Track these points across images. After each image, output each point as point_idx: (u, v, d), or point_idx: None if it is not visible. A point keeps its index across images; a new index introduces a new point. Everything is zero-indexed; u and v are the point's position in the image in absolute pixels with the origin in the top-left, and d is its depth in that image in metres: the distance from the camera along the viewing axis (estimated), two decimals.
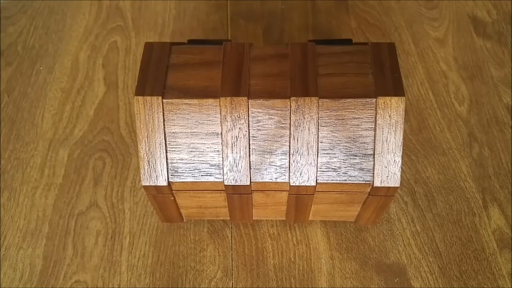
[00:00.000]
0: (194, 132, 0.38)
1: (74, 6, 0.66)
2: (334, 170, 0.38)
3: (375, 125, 0.37)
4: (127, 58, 0.61)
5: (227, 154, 0.38)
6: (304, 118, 0.37)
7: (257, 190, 0.40)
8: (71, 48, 0.62)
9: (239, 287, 0.45)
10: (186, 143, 0.38)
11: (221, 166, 0.39)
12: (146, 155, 0.38)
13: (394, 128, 0.37)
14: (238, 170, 0.38)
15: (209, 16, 0.65)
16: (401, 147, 0.38)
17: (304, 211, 0.44)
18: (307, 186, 0.39)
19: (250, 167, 0.38)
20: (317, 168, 0.38)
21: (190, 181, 0.39)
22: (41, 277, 0.45)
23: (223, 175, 0.39)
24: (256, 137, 0.38)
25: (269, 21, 0.65)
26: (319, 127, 0.38)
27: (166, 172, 0.39)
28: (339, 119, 0.37)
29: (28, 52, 0.61)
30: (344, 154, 0.38)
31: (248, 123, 0.38)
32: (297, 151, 0.38)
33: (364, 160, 0.38)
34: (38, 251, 0.47)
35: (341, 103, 0.37)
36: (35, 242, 0.47)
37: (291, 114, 0.37)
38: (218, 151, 0.38)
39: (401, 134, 0.37)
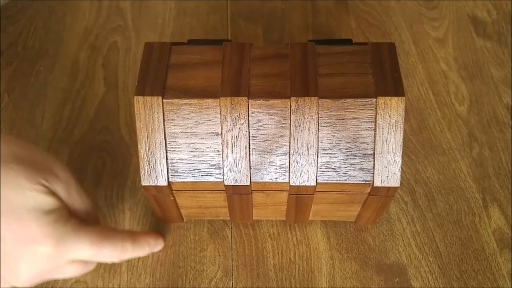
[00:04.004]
0: (194, 132, 0.38)
1: (74, 6, 0.66)
2: (334, 170, 0.38)
3: (375, 125, 0.37)
4: (127, 58, 0.61)
5: (227, 154, 0.38)
6: (304, 118, 0.37)
7: (257, 190, 0.40)
8: (71, 48, 0.62)
9: (239, 287, 0.45)
10: (186, 143, 0.38)
11: (221, 166, 0.39)
12: (146, 155, 0.38)
13: (394, 128, 0.37)
14: (238, 170, 0.38)
15: (209, 16, 0.65)
16: (401, 147, 0.38)
17: (304, 211, 0.44)
18: (307, 186, 0.39)
19: (250, 167, 0.38)
20: (317, 168, 0.38)
21: (190, 181, 0.39)
22: None
23: (223, 175, 0.39)
24: (256, 137, 0.38)
25: (269, 21, 0.65)
26: (319, 127, 0.38)
27: (166, 172, 0.39)
28: (339, 119, 0.37)
29: (28, 52, 0.61)
30: (344, 154, 0.38)
31: (248, 123, 0.38)
32: (297, 151, 0.38)
33: (364, 160, 0.38)
34: None
35: (341, 103, 0.37)
36: None
37: (291, 114, 0.37)
38: (218, 151, 0.38)
39: (401, 134, 0.37)
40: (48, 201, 0.34)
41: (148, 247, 0.42)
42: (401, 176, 0.38)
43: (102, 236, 0.37)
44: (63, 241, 0.35)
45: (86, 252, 0.36)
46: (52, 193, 0.35)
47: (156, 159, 0.38)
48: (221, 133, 0.38)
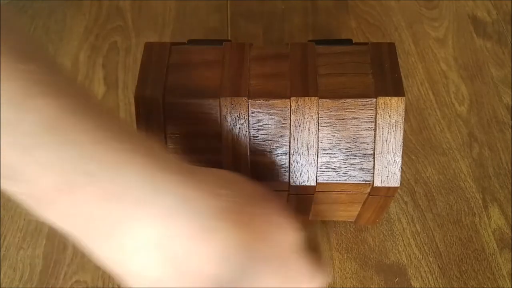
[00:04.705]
0: (194, 132, 0.38)
1: (74, 6, 0.66)
2: (334, 170, 0.38)
3: (375, 125, 0.37)
4: (127, 58, 0.61)
5: (227, 154, 0.38)
6: (304, 118, 0.37)
7: None
8: (71, 48, 0.62)
9: None
10: (186, 143, 0.38)
11: (221, 166, 0.39)
12: None
13: (394, 128, 0.37)
14: (238, 170, 0.38)
15: (209, 16, 0.65)
16: (401, 147, 0.38)
17: (304, 211, 0.44)
18: (307, 186, 0.39)
19: (250, 167, 0.38)
20: (317, 168, 0.38)
21: None
22: (41, 277, 0.45)
23: None
24: (256, 137, 0.38)
25: (269, 21, 0.65)
26: (319, 127, 0.38)
27: None
28: (339, 119, 0.37)
29: None
30: (344, 154, 0.38)
31: (248, 123, 0.38)
32: (297, 151, 0.38)
33: (364, 160, 0.38)
34: (38, 251, 0.47)
35: (341, 103, 0.37)
36: (35, 242, 0.47)
37: (291, 114, 0.37)
38: (218, 151, 0.38)
39: (401, 134, 0.37)
40: (301, 237, 0.29)
41: None
42: (401, 176, 0.38)
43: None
44: (315, 277, 0.30)
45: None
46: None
47: None
48: (221, 133, 0.38)
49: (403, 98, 0.37)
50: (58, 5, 0.66)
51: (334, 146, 0.38)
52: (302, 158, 0.38)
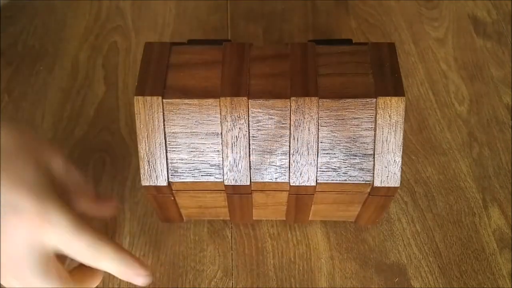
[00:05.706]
0: (194, 132, 0.38)
1: (74, 6, 0.66)
2: (334, 170, 0.38)
3: (375, 125, 0.37)
4: (127, 58, 0.61)
5: (227, 154, 0.38)
6: (304, 118, 0.37)
7: (257, 190, 0.40)
8: (71, 48, 0.62)
9: (239, 287, 0.45)
10: (186, 143, 0.38)
11: (221, 166, 0.39)
12: (146, 155, 0.38)
13: (394, 128, 0.37)
14: (238, 170, 0.38)
15: (209, 16, 0.65)
16: (401, 147, 0.38)
17: (304, 211, 0.44)
18: (307, 186, 0.39)
19: (250, 167, 0.38)
20: (317, 168, 0.38)
21: (190, 181, 0.39)
22: None
23: (223, 175, 0.39)
24: (256, 137, 0.38)
25: (269, 21, 0.65)
26: (319, 127, 0.38)
27: (166, 172, 0.39)
28: (339, 119, 0.37)
29: (28, 52, 0.61)
30: (344, 154, 0.38)
31: (248, 123, 0.38)
32: (297, 151, 0.38)
33: (364, 160, 0.38)
34: None
35: (341, 103, 0.37)
36: None
37: (291, 114, 0.37)
38: (218, 151, 0.38)
39: (401, 134, 0.37)
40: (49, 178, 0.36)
41: (130, 267, 0.36)
42: (401, 176, 0.38)
43: (83, 225, 0.35)
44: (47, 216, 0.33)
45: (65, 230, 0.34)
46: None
47: (156, 159, 0.38)
48: (221, 133, 0.38)
49: (403, 98, 0.37)
50: (58, 5, 0.66)
51: (334, 146, 0.38)
52: (302, 158, 0.38)
